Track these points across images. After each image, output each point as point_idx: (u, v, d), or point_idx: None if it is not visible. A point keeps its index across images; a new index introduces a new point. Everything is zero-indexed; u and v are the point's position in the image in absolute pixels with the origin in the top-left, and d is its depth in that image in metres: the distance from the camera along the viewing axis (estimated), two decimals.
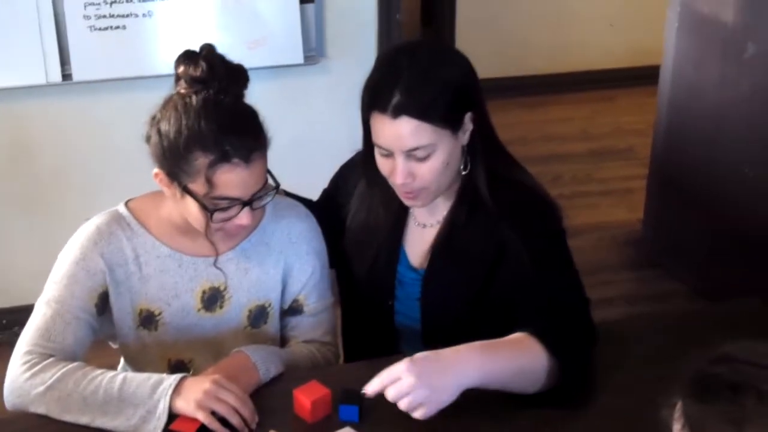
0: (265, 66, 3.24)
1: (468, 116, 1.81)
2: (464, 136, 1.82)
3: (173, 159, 1.73)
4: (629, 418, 1.69)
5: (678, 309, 3.44)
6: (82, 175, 3.47)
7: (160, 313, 1.92)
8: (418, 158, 1.77)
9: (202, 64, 1.75)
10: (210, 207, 1.74)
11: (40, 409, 1.69)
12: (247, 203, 1.76)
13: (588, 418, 1.73)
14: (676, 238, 3.99)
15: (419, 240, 1.97)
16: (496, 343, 1.70)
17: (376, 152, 1.82)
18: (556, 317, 1.76)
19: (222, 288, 1.93)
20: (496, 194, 1.86)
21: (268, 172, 1.81)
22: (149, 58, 3.29)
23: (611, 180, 4.84)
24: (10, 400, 1.73)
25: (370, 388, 1.62)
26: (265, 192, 1.80)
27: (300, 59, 3.36)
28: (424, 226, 1.96)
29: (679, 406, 1.15)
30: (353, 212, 2.01)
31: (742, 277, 3.39)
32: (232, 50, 1.84)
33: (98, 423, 1.66)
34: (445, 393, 1.60)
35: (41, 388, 1.69)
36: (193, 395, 1.64)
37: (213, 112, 1.71)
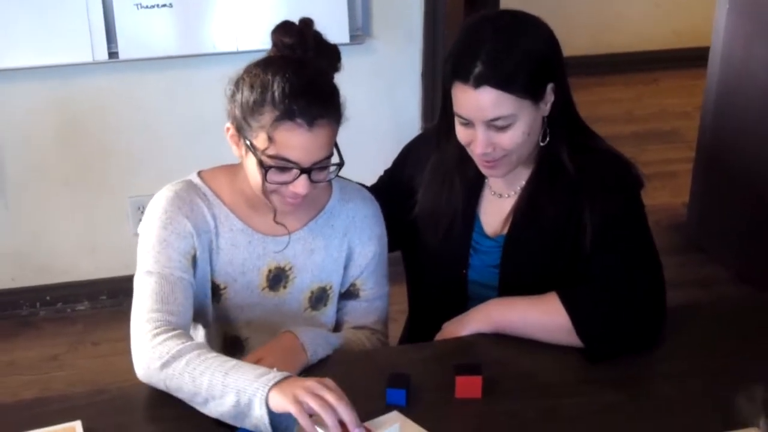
0: None
1: (550, 87, 1.81)
2: (545, 107, 1.82)
3: (243, 112, 1.74)
4: (679, 407, 1.68)
5: (728, 297, 3.40)
6: (125, 153, 3.49)
7: (225, 288, 1.91)
8: (499, 128, 1.77)
9: (294, 32, 1.78)
10: (265, 164, 1.74)
11: (160, 384, 1.67)
12: (305, 171, 1.75)
13: (637, 407, 1.71)
14: (720, 223, 3.95)
15: (496, 209, 1.97)
16: (517, 297, 1.87)
17: (456, 122, 1.83)
18: (597, 284, 1.83)
19: (288, 268, 1.93)
20: (577, 163, 1.86)
21: (336, 148, 1.80)
22: (195, 37, 3.30)
23: (655, 163, 4.79)
24: (140, 373, 1.70)
25: None
26: (328, 165, 1.80)
27: (346, 38, 3.34)
28: (501, 195, 1.97)
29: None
30: (426, 184, 2.01)
31: None
32: None
33: (209, 407, 1.61)
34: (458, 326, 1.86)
35: (158, 363, 1.65)
36: (292, 389, 1.52)
37: (290, 74, 1.72)
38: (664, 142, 5.08)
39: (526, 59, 1.75)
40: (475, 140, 1.80)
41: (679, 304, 2.13)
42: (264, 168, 1.74)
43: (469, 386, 1.70)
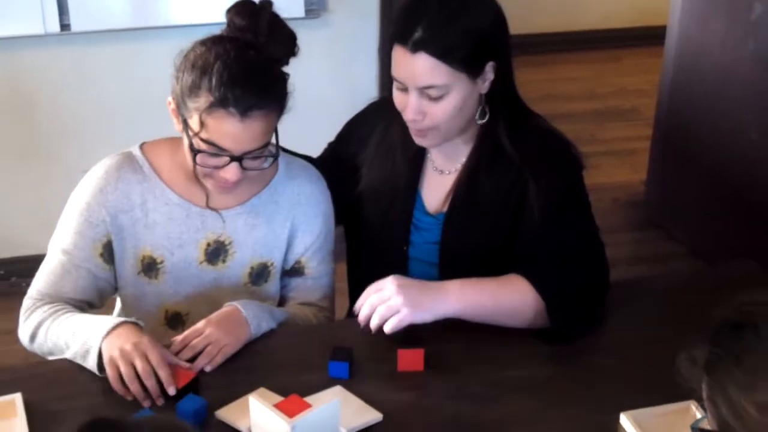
0: None
1: (490, 65, 1.80)
2: (483, 84, 1.82)
3: (182, 90, 1.73)
4: (628, 377, 1.70)
5: (676, 272, 3.42)
6: (79, 125, 3.45)
7: (162, 262, 1.91)
8: (432, 97, 1.77)
9: (247, 13, 1.76)
10: (195, 147, 1.74)
11: (38, 353, 1.84)
12: (236, 159, 1.74)
13: (582, 377, 1.72)
14: (677, 200, 3.97)
15: (437, 186, 1.97)
16: (483, 279, 1.80)
17: (394, 86, 1.83)
18: (557, 262, 1.81)
19: (227, 242, 1.92)
20: (516, 142, 1.86)
21: (276, 136, 1.81)
22: (149, 9, 3.26)
23: (614, 141, 4.81)
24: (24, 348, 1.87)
25: (361, 315, 1.73)
26: (262, 155, 1.79)
27: (301, 12, 3.32)
28: (442, 172, 1.96)
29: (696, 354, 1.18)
30: (370, 159, 2.00)
31: (741, 240, 3.38)
32: None
33: (67, 356, 1.74)
34: (420, 310, 1.71)
35: (27, 338, 1.85)
36: (111, 351, 1.65)
37: (232, 59, 1.71)
38: (624, 120, 5.09)
39: (466, 33, 1.75)
40: (407, 106, 1.80)
41: (628, 278, 2.15)
42: (193, 151, 1.74)
43: (411, 359, 1.71)
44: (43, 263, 1.90)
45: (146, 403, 1.61)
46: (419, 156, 1.97)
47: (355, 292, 2.17)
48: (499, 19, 1.82)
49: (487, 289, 1.79)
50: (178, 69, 1.76)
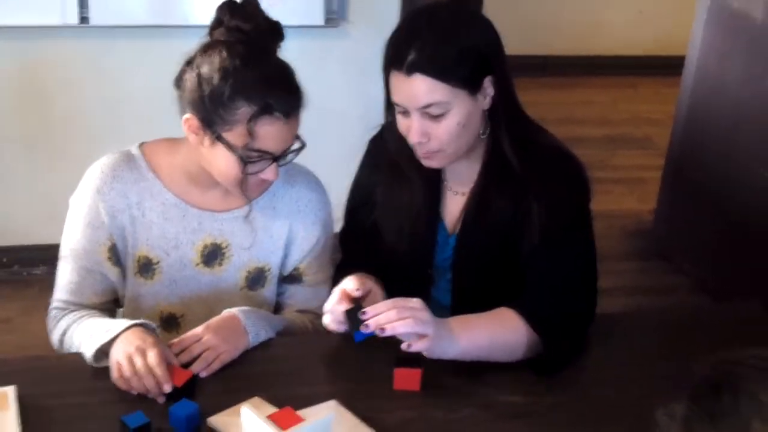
0: (283, 25, 3.20)
1: (488, 80, 1.79)
2: (484, 101, 1.81)
3: (213, 105, 1.70)
4: (618, 412, 1.68)
5: (679, 307, 3.41)
6: (90, 120, 3.45)
7: (158, 262, 1.91)
8: (433, 116, 1.76)
9: (247, 15, 1.75)
10: (245, 158, 1.73)
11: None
12: (276, 158, 1.75)
13: (576, 408, 1.71)
14: (685, 232, 3.96)
15: (454, 207, 1.96)
16: (475, 318, 1.76)
17: (396, 111, 1.82)
18: (550, 290, 1.80)
19: (223, 245, 1.91)
20: (523, 158, 1.85)
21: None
22: (168, 8, 3.26)
23: (625, 168, 4.81)
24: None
25: (383, 316, 1.63)
26: (292, 149, 1.79)
27: (320, 21, 3.32)
28: (456, 193, 1.95)
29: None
30: (385, 184, 1.97)
31: (748, 277, 3.37)
32: None
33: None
34: (440, 347, 1.66)
35: (57, 346, 1.90)
36: (116, 354, 1.66)
37: (260, 64, 1.72)
38: (636, 148, 5.09)
39: (459, 50, 1.74)
40: (411, 129, 1.79)
41: (630, 310, 2.13)
42: (244, 162, 1.73)
43: (407, 378, 1.69)
44: (59, 270, 1.93)
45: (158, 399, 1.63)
46: (436, 179, 1.95)
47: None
48: (490, 33, 1.81)
49: (481, 327, 1.76)
50: (194, 87, 1.72)
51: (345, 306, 1.70)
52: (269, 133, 1.71)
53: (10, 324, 3.36)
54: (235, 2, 1.77)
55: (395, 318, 1.62)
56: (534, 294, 1.81)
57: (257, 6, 1.78)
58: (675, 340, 1.93)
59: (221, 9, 1.77)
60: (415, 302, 1.66)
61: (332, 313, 1.72)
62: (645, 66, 5.99)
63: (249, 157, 1.73)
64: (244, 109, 1.69)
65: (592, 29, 6.11)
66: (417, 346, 1.64)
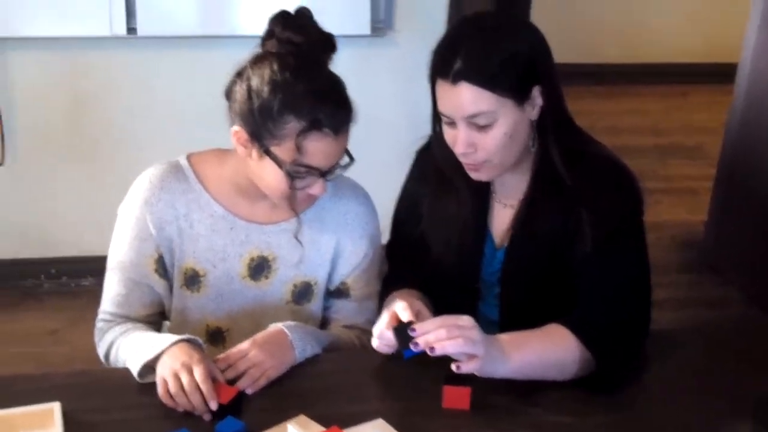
0: None
1: (536, 90, 1.76)
2: (533, 111, 1.77)
3: (262, 119, 1.69)
4: (668, 428, 1.65)
5: (732, 321, 3.34)
6: (136, 131, 3.47)
7: (204, 275, 1.89)
8: (480, 126, 1.73)
9: (299, 27, 1.74)
10: (293, 174, 1.72)
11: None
12: (324, 173, 1.74)
13: (625, 427, 1.67)
14: (736, 244, 3.89)
15: (502, 220, 1.93)
16: (526, 335, 1.73)
17: (442, 122, 1.79)
18: (602, 304, 1.76)
19: (270, 258, 1.90)
20: (573, 170, 1.81)
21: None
22: (215, 18, 3.27)
23: (675, 178, 4.74)
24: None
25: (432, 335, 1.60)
26: (340, 164, 1.78)
27: (367, 30, 3.31)
28: (505, 205, 1.92)
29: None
30: (432, 196, 1.94)
31: None
32: None
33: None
34: (490, 368, 1.64)
35: (103, 359, 1.92)
36: (162, 370, 1.65)
37: (311, 78, 1.70)
38: (687, 158, 5.02)
39: (505, 58, 1.71)
40: (457, 139, 1.76)
41: (682, 325, 2.09)
42: (291, 177, 1.72)
43: (457, 396, 1.66)
44: (106, 281, 1.92)
45: (205, 416, 1.61)
46: (484, 192, 1.92)
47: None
48: (538, 42, 1.78)
49: (533, 346, 1.71)
50: (244, 100, 1.71)
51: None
52: (318, 149, 1.69)
53: (57, 335, 3.38)
54: (288, 13, 1.76)
55: (445, 337, 1.58)
56: (585, 307, 1.77)
57: (310, 18, 1.76)
58: (729, 356, 1.88)
59: (274, 20, 1.75)
60: (466, 320, 1.63)
61: (381, 338, 1.69)
62: (696, 73, 5.92)
63: (296, 173, 1.72)
64: (293, 124, 1.67)
65: (641, 37, 6.05)
66: (467, 368, 1.60)
